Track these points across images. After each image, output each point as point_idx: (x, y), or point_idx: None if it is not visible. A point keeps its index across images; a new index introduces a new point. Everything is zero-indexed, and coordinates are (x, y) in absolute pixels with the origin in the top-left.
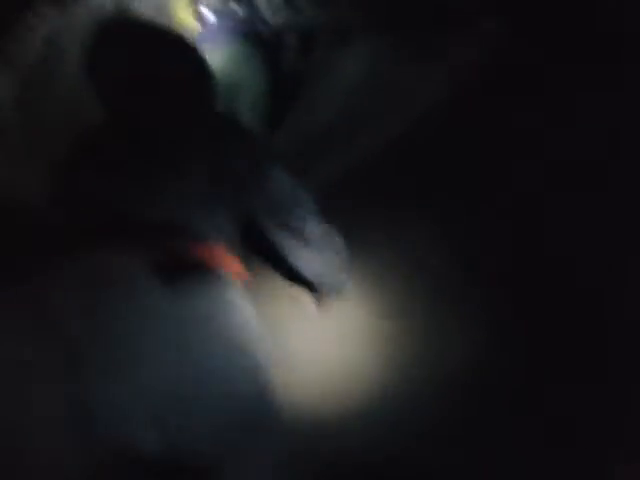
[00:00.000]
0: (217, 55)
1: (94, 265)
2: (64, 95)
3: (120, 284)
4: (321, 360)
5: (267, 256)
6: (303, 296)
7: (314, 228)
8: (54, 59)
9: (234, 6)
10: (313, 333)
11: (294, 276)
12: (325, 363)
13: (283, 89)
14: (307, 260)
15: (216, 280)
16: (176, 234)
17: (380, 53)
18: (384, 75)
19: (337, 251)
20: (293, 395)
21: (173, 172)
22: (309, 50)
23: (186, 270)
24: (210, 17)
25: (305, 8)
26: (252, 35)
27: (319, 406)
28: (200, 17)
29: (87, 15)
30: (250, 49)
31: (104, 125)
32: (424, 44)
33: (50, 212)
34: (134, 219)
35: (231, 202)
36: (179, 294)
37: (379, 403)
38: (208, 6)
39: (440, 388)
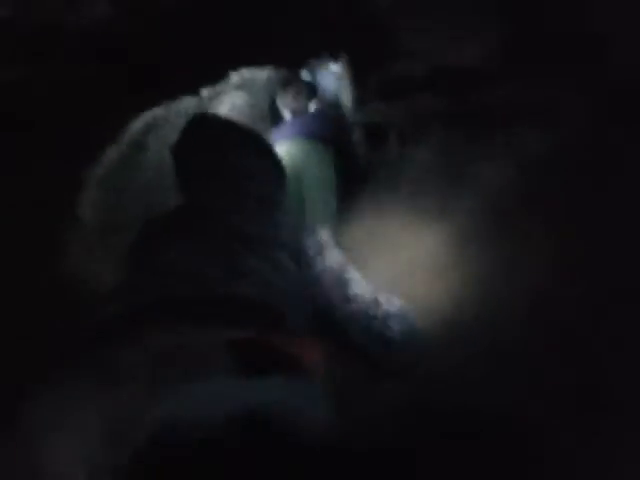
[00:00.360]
0: (290, 148)
1: (175, 342)
2: (142, 186)
3: (195, 364)
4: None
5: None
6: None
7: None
8: (137, 154)
9: (308, 105)
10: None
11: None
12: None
13: (352, 183)
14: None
15: (294, 373)
16: (257, 317)
17: (450, 148)
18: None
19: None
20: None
21: (251, 255)
22: (381, 145)
23: (264, 358)
24: (286, 114)
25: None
26: (324, 131)
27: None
28: (276, 114)
29: (172, 115)
30: (321, 145)
31: (180, 210)
32: (492, 140)
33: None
34: (214, 297)
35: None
36: (252, 384)
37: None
38: (284, 104)
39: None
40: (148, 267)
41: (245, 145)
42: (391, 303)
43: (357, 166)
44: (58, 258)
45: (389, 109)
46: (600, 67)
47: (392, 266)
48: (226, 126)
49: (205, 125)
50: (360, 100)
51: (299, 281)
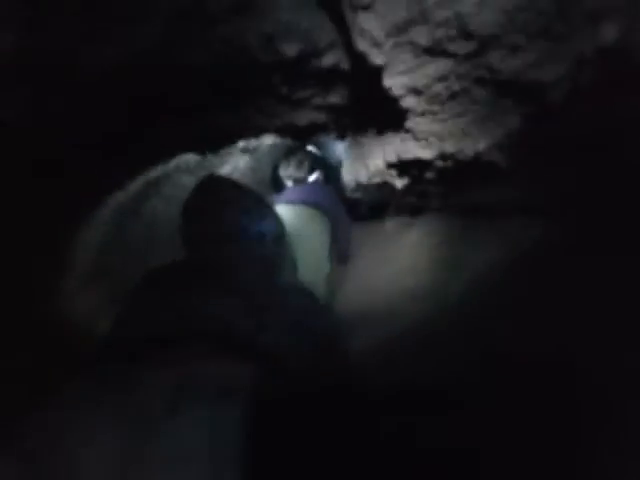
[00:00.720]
0: (290, 213)
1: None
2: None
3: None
4: None
5: None
6: None
7: None
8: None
9: (309, 176)
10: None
11: None
12: None
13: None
14: None
15: None
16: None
17: (448, 230)
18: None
19: None
20: None
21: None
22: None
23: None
24: (287, 182)
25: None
26: (322, 201)
27: None
28: (277, 180)
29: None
30: (317, 210)
31: (181, 264)
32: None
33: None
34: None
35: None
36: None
37: None
38: (285, 172)
39: None
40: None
41: (251, 207)
42: None
43: (347, 234)
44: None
45: (387, 188)
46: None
47: None
48: (234, 188)
49: (215, 185)
50: (363, 176)
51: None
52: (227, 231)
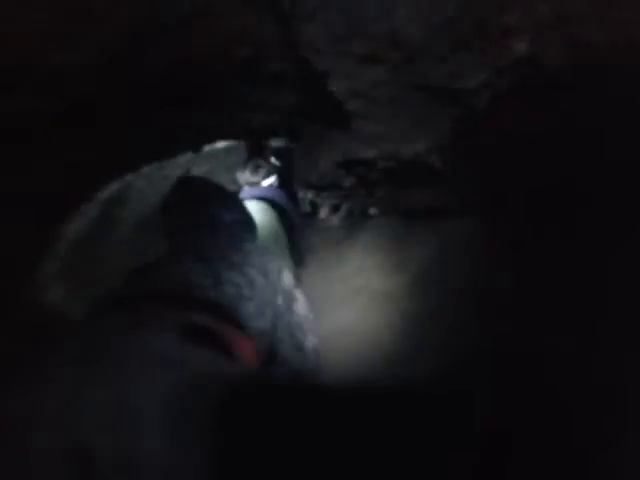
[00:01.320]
0: (251, 206)
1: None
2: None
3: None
4: None
5: None
6: None
7: None
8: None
9: (261, 181)
10: None
11: None
12: None
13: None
14: None
15: (224, 355)
16: (211, 313)
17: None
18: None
19: None
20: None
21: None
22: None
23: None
24: (243, 185)
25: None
26: (273, 197)
27: None
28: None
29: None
30: (272, 207)
31: (167, 255)
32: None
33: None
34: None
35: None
36: (186, 350)
37: None
38: (241, 177)
39: None
40: (136, 277)
41: (220, 200)
42: (312, 322)
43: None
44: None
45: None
46: None
47: None
48: (206, 183)
49: (190, 182)
50: (313, 177)
51: (267, 290)
52: (202, 220)
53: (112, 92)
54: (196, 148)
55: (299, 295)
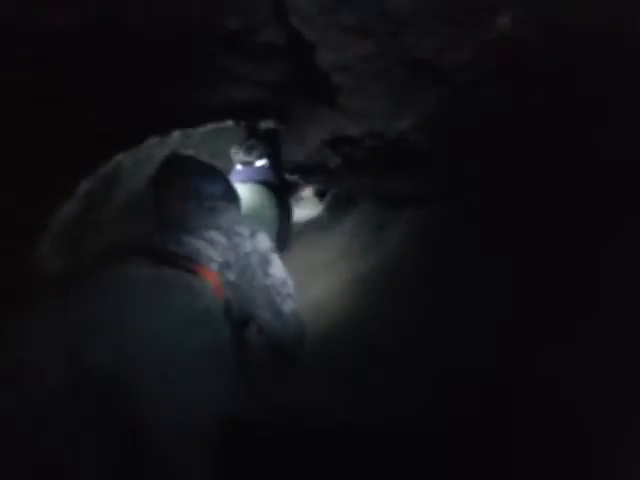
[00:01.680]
0: (239, 189)
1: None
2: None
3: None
4: None
5: None
6: None
7: None
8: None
9: (254, 162)
10: None
11: None
12: None
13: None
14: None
15: (197, 279)
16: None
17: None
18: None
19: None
20: None
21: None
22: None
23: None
24: (238, 166)
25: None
26: (265, 179)
27: None
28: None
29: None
30: (262, 187)
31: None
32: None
33: None
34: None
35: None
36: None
37: None
38: (236, 157)
39: None
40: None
41: (203, 174)
42: (291, 287)
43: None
44: None
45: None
46: None
47: None
48: (193, 160)
49: (178, 158)
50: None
51: (226, 249)
52: (189, 192)
53: (95, 59)
54: (182, 125)
55: (275, 259)
